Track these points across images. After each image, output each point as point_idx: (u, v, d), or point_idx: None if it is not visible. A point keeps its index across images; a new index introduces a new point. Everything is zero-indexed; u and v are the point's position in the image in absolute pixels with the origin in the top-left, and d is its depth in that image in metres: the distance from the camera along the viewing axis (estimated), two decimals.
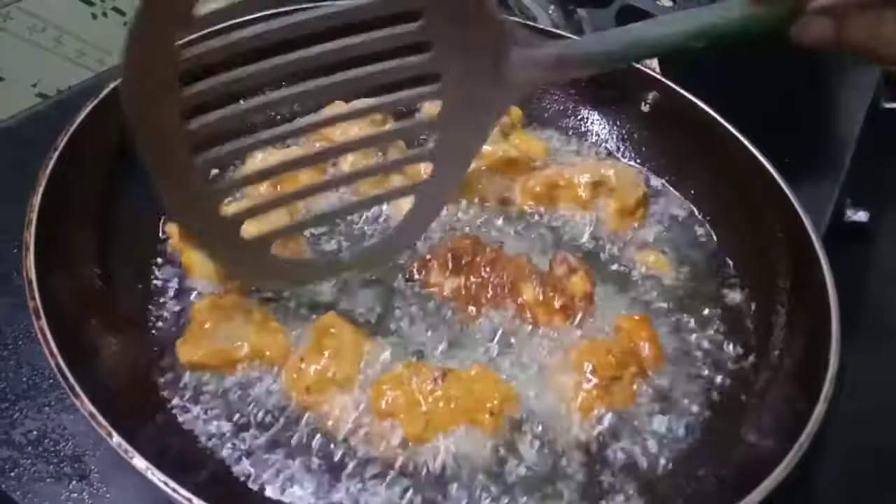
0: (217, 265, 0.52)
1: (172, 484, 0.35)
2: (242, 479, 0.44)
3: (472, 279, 0.54)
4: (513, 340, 0.53)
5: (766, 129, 0.62)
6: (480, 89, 0.46)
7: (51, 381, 0.50)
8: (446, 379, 0.47)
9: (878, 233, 0.78)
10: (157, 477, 0.35)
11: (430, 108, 0.50)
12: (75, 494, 0.45)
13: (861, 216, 0.76)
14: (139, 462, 0.36)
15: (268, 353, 0.50)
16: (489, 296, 0.54)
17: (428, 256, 0.56)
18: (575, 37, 0.46)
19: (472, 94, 0.46)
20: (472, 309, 0.54)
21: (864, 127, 0.84)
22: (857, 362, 0.48)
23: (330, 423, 0.47)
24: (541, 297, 0.53)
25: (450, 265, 0.55)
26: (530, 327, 0.53)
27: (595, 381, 0.49)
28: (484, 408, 0.47)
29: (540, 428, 0.48)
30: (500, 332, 0.53)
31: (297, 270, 0.53)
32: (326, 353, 0.48)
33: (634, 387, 0.50)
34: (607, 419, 0.49)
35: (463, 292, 0.54)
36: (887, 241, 0.79)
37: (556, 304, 0.53)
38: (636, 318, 0.54)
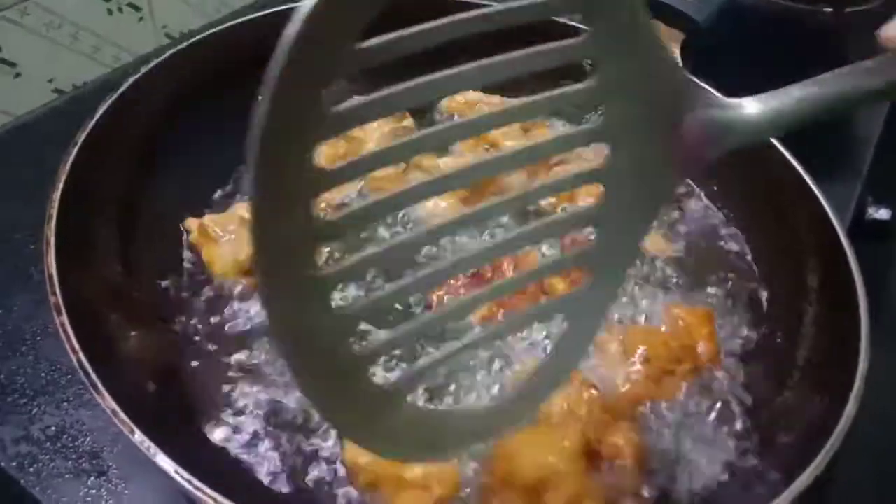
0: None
1: (197, 483, 0.34)
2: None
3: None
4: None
5: None
6: (650, 164, 0.34)
7: (69, 376, 0.50)
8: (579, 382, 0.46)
9: None
10: (181, 476, 0.34)
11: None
12: (94, 491, 0.45)
13: (883, 214, 0.75)
14: (162, 459, 0.35)
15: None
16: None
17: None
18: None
19: (640, 172, 0.33)
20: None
21: (885, 125, 0.83)
22: (880, 360, 0.47)
23: None
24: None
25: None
26: None
27: (646, 370, 0.48)
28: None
29: None
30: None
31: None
32: None
33: (682, 384, 0.48)
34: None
35: (497, 309, 0.51)
36: None
37: None
38: (698, 311, 0.52)
